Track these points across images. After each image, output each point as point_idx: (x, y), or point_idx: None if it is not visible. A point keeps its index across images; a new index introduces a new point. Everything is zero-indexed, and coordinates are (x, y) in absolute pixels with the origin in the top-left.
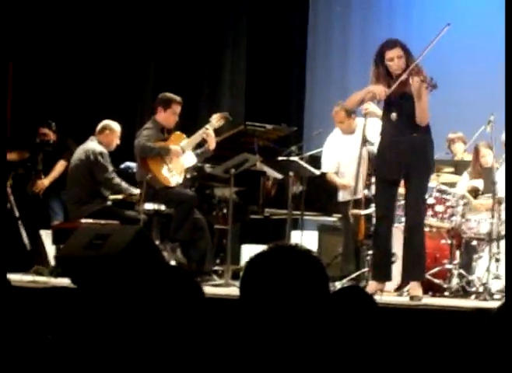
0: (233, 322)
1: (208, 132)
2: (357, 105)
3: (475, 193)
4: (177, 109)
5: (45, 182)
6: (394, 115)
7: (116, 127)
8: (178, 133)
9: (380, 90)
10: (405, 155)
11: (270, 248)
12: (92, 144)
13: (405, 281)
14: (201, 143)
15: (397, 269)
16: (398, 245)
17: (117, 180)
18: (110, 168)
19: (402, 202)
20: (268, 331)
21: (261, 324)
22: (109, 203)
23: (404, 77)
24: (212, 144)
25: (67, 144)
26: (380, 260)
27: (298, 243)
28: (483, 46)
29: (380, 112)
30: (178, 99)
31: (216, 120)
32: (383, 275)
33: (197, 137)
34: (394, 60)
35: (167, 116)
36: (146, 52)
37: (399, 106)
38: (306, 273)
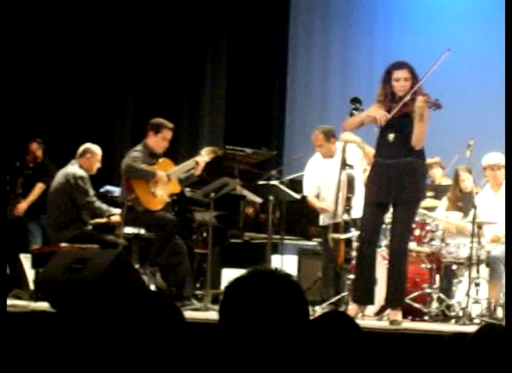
0: (212, 347)
1: (200, 163)
2: (356, 127)
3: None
4: (168, 134)
5: (23, 205)
6: (391, 136)
7: (97, 150)
8: (167, 160)
9: (381, 115)
10: (397, 180)
11: (249, 272)
12: (72, 168)
13: (388, 305)
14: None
15: (377, 293)
16: (378, 270)
17: (98, 204)
18: (91, 192)
19: (383, 226)
20: (247, 356)
21: (240, 349)
22: (89, 227)
23: (407, 98)
24: (198, 170)
25: (46, 168)
26: (363, 284)
27: (277, 267)
28: (462, 71)
29: (356, 138)
30: (170, 125)
31: (207, 153)
32: (365, 298)
33: (185, 166)
34: (401, 81)
35: (157, 141)
36: (126, 77)
37: (398, 127)
38: (285, 297)
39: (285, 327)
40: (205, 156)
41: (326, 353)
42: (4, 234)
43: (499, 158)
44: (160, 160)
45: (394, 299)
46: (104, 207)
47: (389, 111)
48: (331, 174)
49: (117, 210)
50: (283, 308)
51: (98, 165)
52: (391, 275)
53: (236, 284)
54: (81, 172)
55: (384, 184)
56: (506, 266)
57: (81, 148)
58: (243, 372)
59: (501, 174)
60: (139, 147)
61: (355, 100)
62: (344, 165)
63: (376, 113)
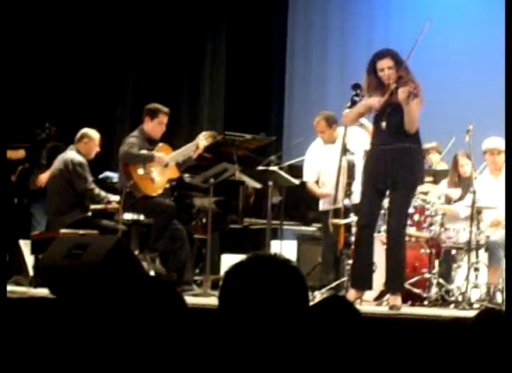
0: (211, 332)
1: (199, 147)
2: (355, 120)
3: (448, 201)
4: (164, 119)
5: (45, 176)
6: (383, 124)
7: (94, 134)
8: (165, 145)
9: (375, 101)
10: (393, 165)
11: (249, 257)
12: (70, 154)
13: (389, 290)
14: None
15: (376, 278)
16: (377, 255)
17: (97, 190)
18: (90, 178)
19: (382, 211)
20: (247, 341)
21: (239, 334)
22: (89, 213)
23: (392, 87)
24: (196, 153)
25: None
26: (361, 269)
27: (277, 253)
28: (462, 56)
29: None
30: (165, 109)
31: (205, 137)
32: (364, 284)
33: (183, 151)
34: (385, 70)
35: (154, 126)
36: (125, 62)
37: (389, 115)
38: (285, 282)
39: (284, 312)
40: (202, 140)
41: (325, 338)
42: (4, 220)
43: (498, 142)
44: (159, 145)
45: (393, 284)
46: (102, 193)
47: (382, 96)
48: (332, 160)
49: (116, 197)
50: (283, 293)
51: (96, 149)
52: (388, 260)
53: (236, 269)
54: (79, 158)
55: (381, 170)
56: (506, 251)
57: (78, 133)
58: (242, 358)
59: (500, 159)
60: (136, 132)
61: (356, 86)
62: (344, 150)
63: (370, 100)
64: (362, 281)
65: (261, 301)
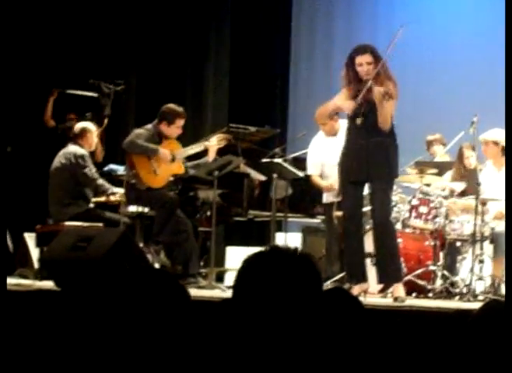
0: (219, 324)
1: (213, 148)
2: (327, 118)
3: (451, 194)
4: (181, 122)
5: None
6: (359, 120)
7: (92, 127)
8: (174, 140)
9: (348, 105)
10: (368, 158)
11: (266, 249)
12: (73, 148)
13: (382, 282)
14: (199, 154)
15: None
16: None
17: (100, 181)
18: (93, 169)
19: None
20: (261, 332)
21: (251, 324)
22: (91, 205)
23: (369, 84)
24: (210, 157)
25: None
26: (353, 261)
27: (295, 246)
28: (464, 48)
29: None
30: (182, 111)
31: (218, 139)
32: (357, 275)
33: (191, 149)
34: (363, 66)
35: (172, 130)
36: (129, 54)
37: (364, 111)
38: (300, 276)
39: (297, 306)
40: (215, 142)
41: (329, 330)
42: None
43: (491, 134)
44: (168, 141)
45: (388, 274)
46: (106, 184)
47: (356, 96)
48: (335, 152)
49: (119, 190)
50: (297, 286)
51: (95, 140)
52: (379, 251)
53: (253, 260)
54: (81, 151)
55: (357, 164)
56: (506, 243)
57: (77, 129)
58: (254, 348)
59: (489, 149)
60: (149, 126)
61: None
62: None
63: (343, 103)
64: (356, 273)
65: (275, 293)
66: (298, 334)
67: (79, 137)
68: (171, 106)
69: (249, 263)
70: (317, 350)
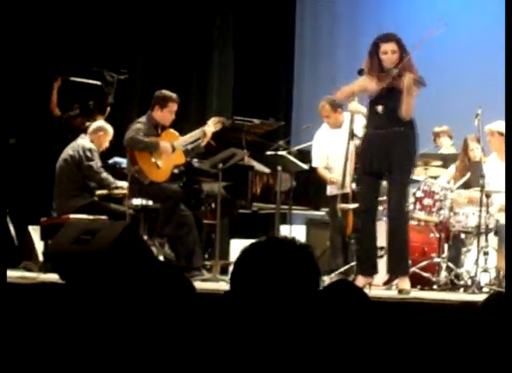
0: (221, 317)
1: (207, 134)
2: (348, 97)
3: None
4: (174, 107)
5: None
6: (380, 108)
7: (110, 129)
8: (171, 130)
9: (374, 86)
10: (388, 148)
11: (263, 239)
12: (82, 141)
13: (390, 274)
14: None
15: (385, 263)
16: (385, 239)
17: (105, 175)
18: (99, 163)
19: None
20: (257, 323)
21: (250, 315)
22: (96, 198)
23: (394, 72)
24: (204, 141)
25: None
26: (365, 254)
27: (293, 236)
28: (472, 41)
29: (362, 109)
30: (175, 97)
31: (213, 123)
32: (369, 268)
33: (191, 137)
34: (388, 53)
35: (164, 115)
36: (134, 49)
37: (386, 99)
38: (297, 265)
39: (295, 295)
40: (211, 126)
41: (333, 322)
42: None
43: (497, 124)
44: (165, 132)
45: (398, 267)
46: (110, 178)
47: (379, 79)
48: (339, 144)
49: (124, 183)
50: (294, 275)
51: (107, 144)
52: (391, 244)
53: (250, 250)
54: (90, 145)
55: (376, 154)
56: (506, 235)
57: (94, 125)
58: (253, 341)
59: (494, 140)
60: (143, 118)
61: (363, 71)
62: (352, 135)
63: (370, 84)
64: (368, 266)
65: (272, 283)
66: (297, 324)
67: (92, 133)
68: (164, 91)
69: (246, 252)
70: (319, 342)
